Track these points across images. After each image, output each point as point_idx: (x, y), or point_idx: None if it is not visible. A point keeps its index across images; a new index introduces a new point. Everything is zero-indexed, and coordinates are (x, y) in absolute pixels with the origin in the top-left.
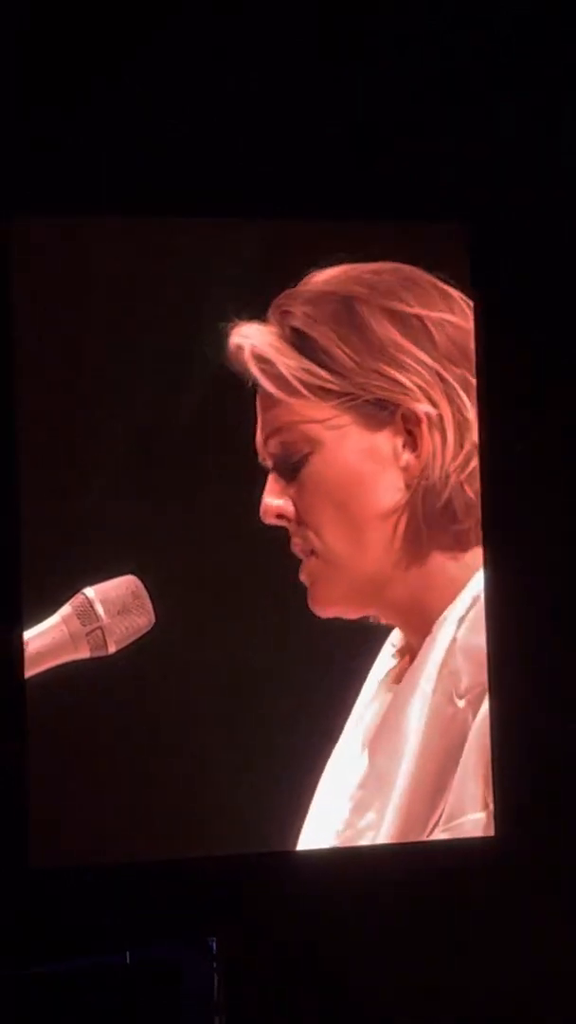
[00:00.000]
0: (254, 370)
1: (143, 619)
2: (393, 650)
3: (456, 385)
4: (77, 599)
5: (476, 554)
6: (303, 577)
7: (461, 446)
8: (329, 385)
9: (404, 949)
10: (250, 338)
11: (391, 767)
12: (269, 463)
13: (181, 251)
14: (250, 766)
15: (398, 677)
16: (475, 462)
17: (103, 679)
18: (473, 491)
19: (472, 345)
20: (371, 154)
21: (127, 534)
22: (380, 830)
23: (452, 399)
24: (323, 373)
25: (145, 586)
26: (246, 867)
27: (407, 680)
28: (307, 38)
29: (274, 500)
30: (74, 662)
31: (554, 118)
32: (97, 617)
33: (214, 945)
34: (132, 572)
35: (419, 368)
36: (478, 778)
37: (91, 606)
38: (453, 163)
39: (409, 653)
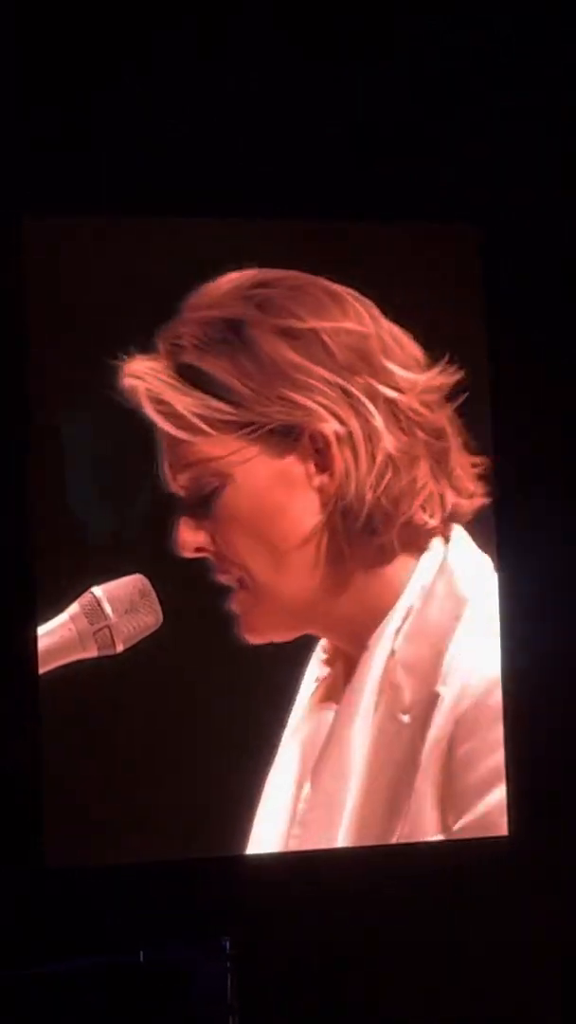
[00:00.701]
0: (151, 412)
1: (151, 618)
2: (324, 657)
3: (361, 396)
4: (85, 598)
5: (400, 564)
6: (234, 607)
7: (373, 459)
8: (230, 417)
9: (417, 949)
10: (143, 379)
11: (338, 789)
12: (181, 494)
13: (186, 251)
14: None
15: (334, 690)
16: (390, 474)
17: (117, 678)
18: (390, 502)
19: (370, 347)
20: (377, 155)
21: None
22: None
23: (359, 411)
24: (223, 406)
25: (153, 586)
26: (259, 867)
27: (347, 698)
28: (308, 35)
29: (190, 534)
30: (88, 661)
31: (561, 116)
32: (105, 616)
33: (227, 945)
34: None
35: (321, 386)
36: (435, 801)
37: (99, 605)
38: (462, 164)
39: (343, 663)
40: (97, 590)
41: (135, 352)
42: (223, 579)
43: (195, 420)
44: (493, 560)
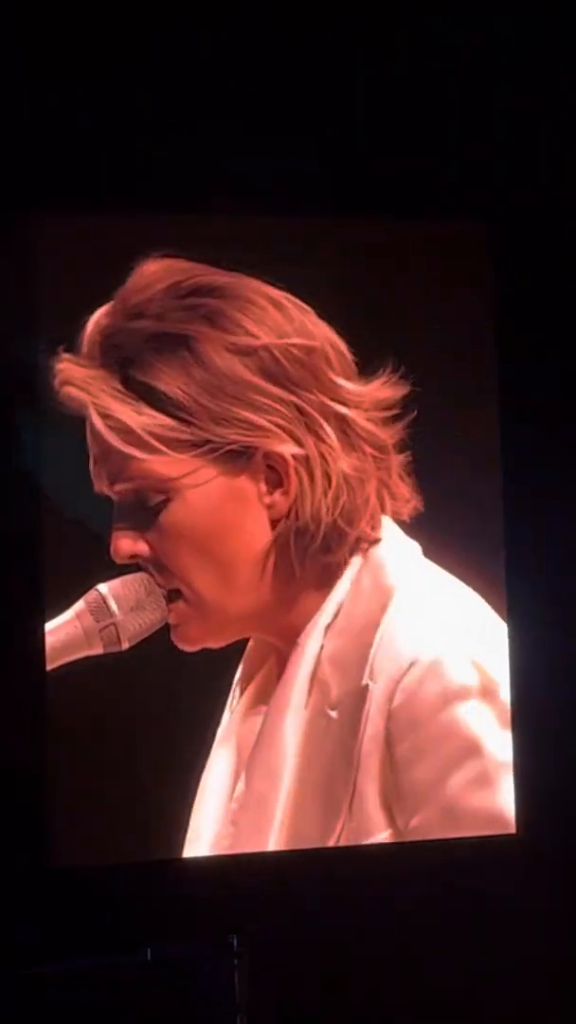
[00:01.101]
0: (99, 425)
1: (156, 615)
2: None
3: (315, 414)
4: (90, 595)
5: (345, 579)
6: (170, 618)
7: (329, 479)
8: (184, 436)
9: (426, 947)
10: (87, 390)
11: (270, 788)
12: (113, 498)
13: (186, 248)
14: None
15: (265, 689)
16: (345, 495)
17: (121, 677)
18: (345, 521)
19: (317, 360)
20: (379, 153)
21: None
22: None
23: (312, 430)
24: (176, 424)
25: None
26: (267, 864)
27: (278, 695)
28: (308, 33)
29: (128, 544)
30: (91, 660)
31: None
32: (111, 613)
33: (235, 943)
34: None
35: (276, 405)
36: (379, 800)
37: (104, 602)
38: (463, 162)
39: (276, 660)
40: (103, 587)
41: (59, 349)
42: (160, 585)
43: (149, 439)
44: (502, 555)
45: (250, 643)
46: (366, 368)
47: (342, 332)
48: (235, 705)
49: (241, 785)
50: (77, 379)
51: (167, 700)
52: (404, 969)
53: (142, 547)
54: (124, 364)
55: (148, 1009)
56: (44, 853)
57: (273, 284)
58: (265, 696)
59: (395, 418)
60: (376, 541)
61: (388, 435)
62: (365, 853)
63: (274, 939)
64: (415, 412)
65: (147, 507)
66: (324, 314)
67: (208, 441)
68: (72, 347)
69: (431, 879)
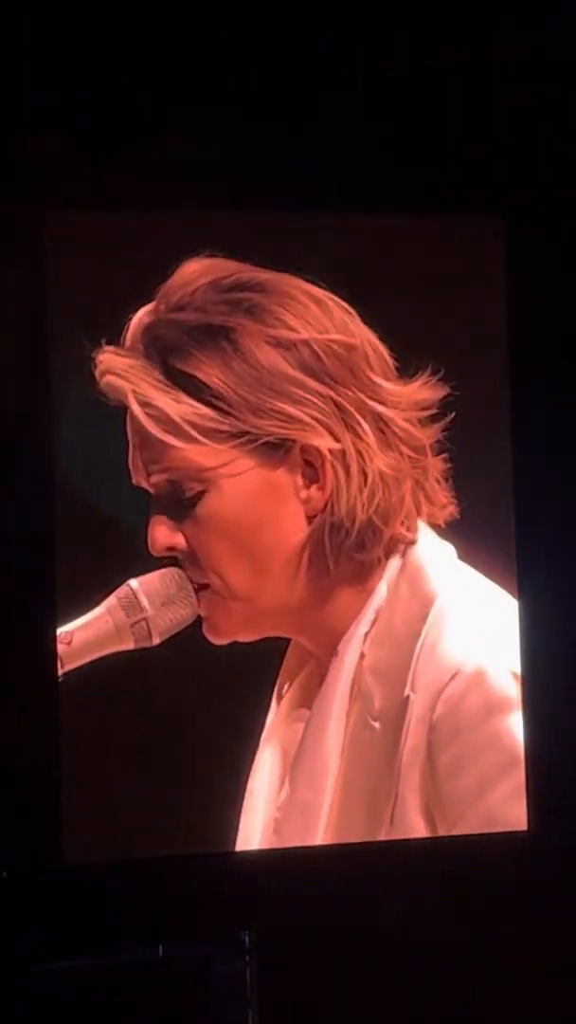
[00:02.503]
0: (138, 413)
1: (187, 610)
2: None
3: (352, 410)
4: (122, 590)
5: (377, 578)
6: (200, 609)
7: (365, 476)
8: (223, 427)
9: (436, 943)
10: (127, 379)
11: (314, 797)
12: (151, 491)
13: (194, 245)
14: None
15: (306, 693)
16: (380, 492)
17: (135, 673)
18: (380, 519)
19: (357, 359)
20: (393, 148)
21: None
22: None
23: (350, 427)
24: (215, 415)
25: None
26: (279, 861)
27: (320, 704)
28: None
29: (166, 535)
30: (107, 656)
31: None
32: (142, 608)
33: (247, 939)
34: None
35: (314, 399)
36: (419, 808)
37: (136, 597)
38: (475, 158)
39: (315, 667)
40: (134, 582)
41: (103, 343)
42: (193, 579)
43: (187, 428)
44: (509, 552)
45: (289, 647)
46: (404, 371)
47: (382, 336)
48: (276, 707)
49: (285, 792)
50: (117, 368)
51: (188, 696)
52: (414, 966)
53: (179, 539)
54: (165, 355)
55: (160, 1006)
56: (58, 849)
57: (315, 283)
58: (306, 700)
59: (433, 419)
60: (412, 543)
61: (425, 436)
62: (376, 850)
63: (285, 936)
64: (453, 414)
65: (183, 498)
66: (363, 314)
67: (246, 432)
68: (113, 341)
69: (443, 876)
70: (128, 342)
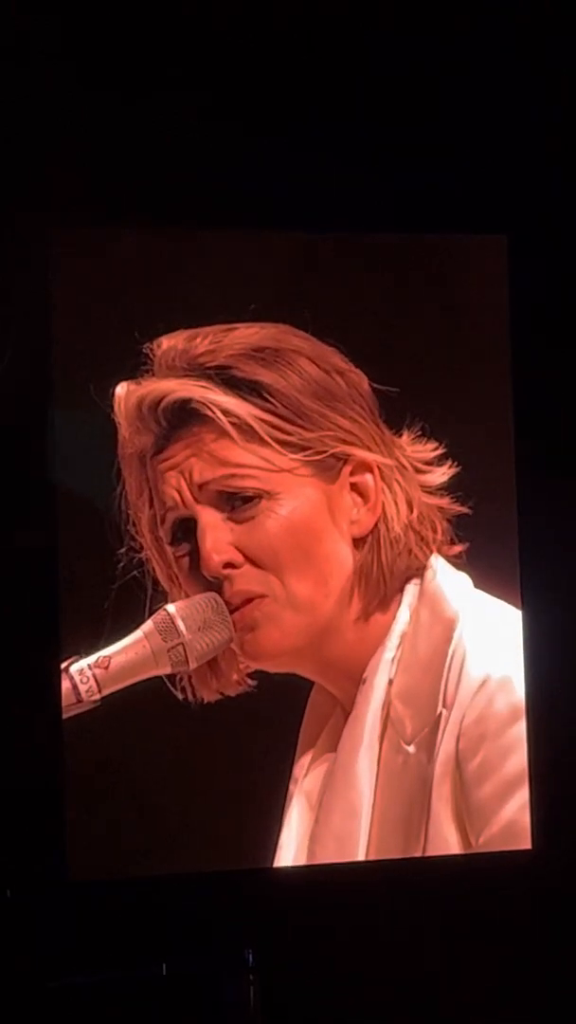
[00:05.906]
0: (222, 421)
1: (224, 634)
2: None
3: (392, 437)
4: (159, 615)
5: (396, 604)
6: (244, 626)
7: (410, 501)
8: (288, 438)
9: (440, 964)
10: (187, 387)
11: (349, 826)
12: (195, 513)
13: (211, 262)
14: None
15: (331, 740)
16: (415, 516)
17: (139, 692)
18: (416, 544)
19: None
20: (392, 166)
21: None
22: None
23: (392, 453)
24: (274, 419)
25: None
26: (282, 879)
27: (349, 733)
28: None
29: (220, 550)
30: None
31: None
32: (179, 633)
33: (250, 957)
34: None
35: (364, 422)
36: (451, 818)
37: (172, 622)
38: (487, 175)
39: (338, 706)
40: (171, 607)
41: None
42: (243, 595)
43: (262, 432)
44: (514, 563)
45: (311, 697)
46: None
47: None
48: (300, 756)
49: (316, 822)
50: (171, 384)
51: (195, 715)
52: (420, 984)
53: (235, 554)
54: (221, 369)
55: (164, 1022)
56: (64, 867)
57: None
58: (332, 746)
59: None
60: (428, 570)
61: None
62: (380, 867)
63: (290, 954)
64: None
65: (241, 505)
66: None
67: (303, 441)
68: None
69: (447, 895)
70: (164, 368)
